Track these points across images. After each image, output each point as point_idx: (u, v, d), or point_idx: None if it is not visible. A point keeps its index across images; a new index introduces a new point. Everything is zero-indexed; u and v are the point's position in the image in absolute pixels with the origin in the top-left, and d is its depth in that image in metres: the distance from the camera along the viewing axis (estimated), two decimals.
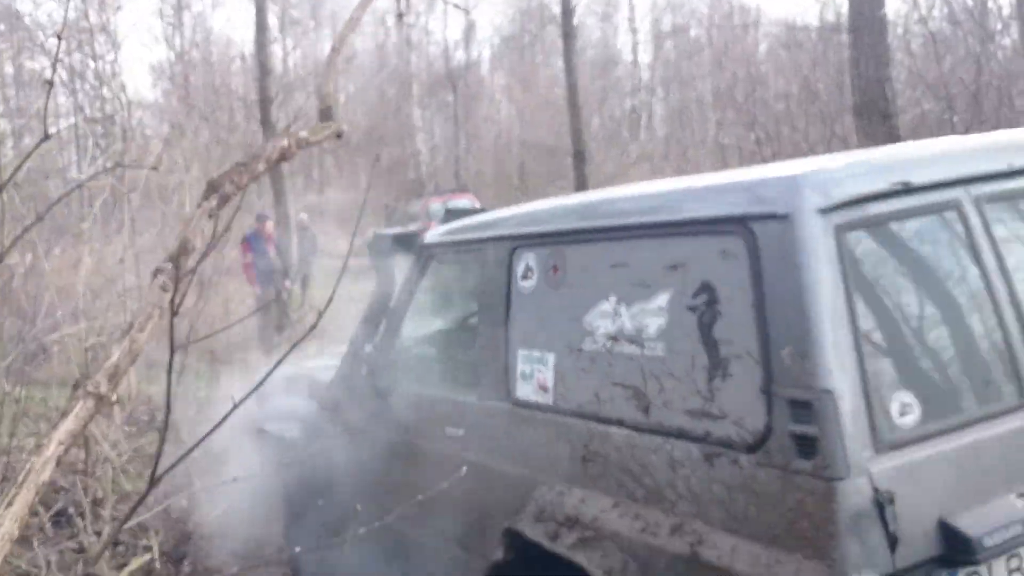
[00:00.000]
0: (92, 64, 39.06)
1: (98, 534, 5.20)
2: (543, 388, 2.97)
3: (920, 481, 2.10)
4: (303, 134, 3.34)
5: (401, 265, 3.94)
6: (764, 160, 8.66)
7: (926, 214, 2.33)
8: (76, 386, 2.72)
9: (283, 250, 12.19)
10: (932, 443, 2.13)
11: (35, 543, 4.68)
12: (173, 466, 2.78)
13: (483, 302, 3.31)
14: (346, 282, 2.90)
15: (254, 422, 4.51)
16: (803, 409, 2.12)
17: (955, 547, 2.07)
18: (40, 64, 38.46)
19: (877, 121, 7.71)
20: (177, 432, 6.87)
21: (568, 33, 14.63)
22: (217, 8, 58.60)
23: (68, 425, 2.61)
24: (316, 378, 4.29)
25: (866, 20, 7.81)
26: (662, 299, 2.53)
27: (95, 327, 6.47)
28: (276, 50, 38.29)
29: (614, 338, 2.69)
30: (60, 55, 34.22)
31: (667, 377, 2.49)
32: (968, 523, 2.09)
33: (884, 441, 2.08)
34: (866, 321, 2.17)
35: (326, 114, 3.48)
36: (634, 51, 33.49)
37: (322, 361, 4.53)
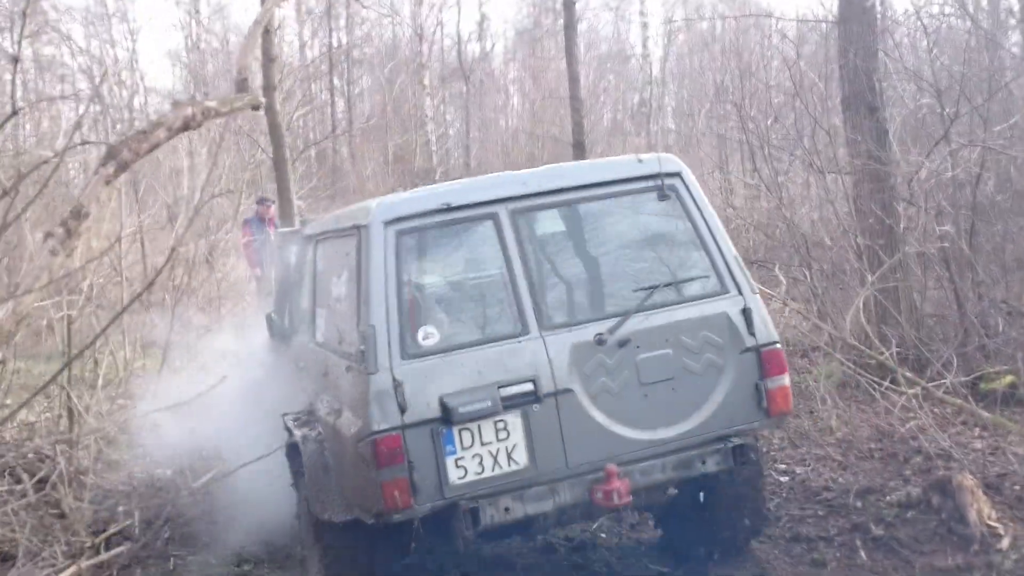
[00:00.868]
0: (110, 50, 39.42)
1: (79, 501, 5.35)
2: (320, 333, 4.86)
3: (429, 376, 3.79)
4: (210, 103, 3.29)
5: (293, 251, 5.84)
6: (753, 151, 8.72)
7: (469, 221, 4.08)
8: None
9: None
10: (443, 355, 3.86)
11: (12, 508, 4.83)
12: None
13: (299, 278, 5.54)
14: None
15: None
16: (364, 336, 3.85)
17: (446, 414, 3.74)
18: (57, 50, 38.80)
19: (864, 114, 7.75)
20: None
21: (569, 24, 14.67)
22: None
23: None
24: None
25: (855, 10, 7.84)
26: (344, 275, 4.37)
27: (76, 301, 6.62)
28: (292, 38, 38.49)
29: (335, 299, 4.53)
30: (63, 37, 34.12)
31: (340, 322, 4.39)
32: (454, 400, 3.74)
33: (409, 353, 3.83)
34: (409, 285, 3.95)
35: (241, 85, 3.47)
36: (644, 45, 33.44)
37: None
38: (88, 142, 7.35)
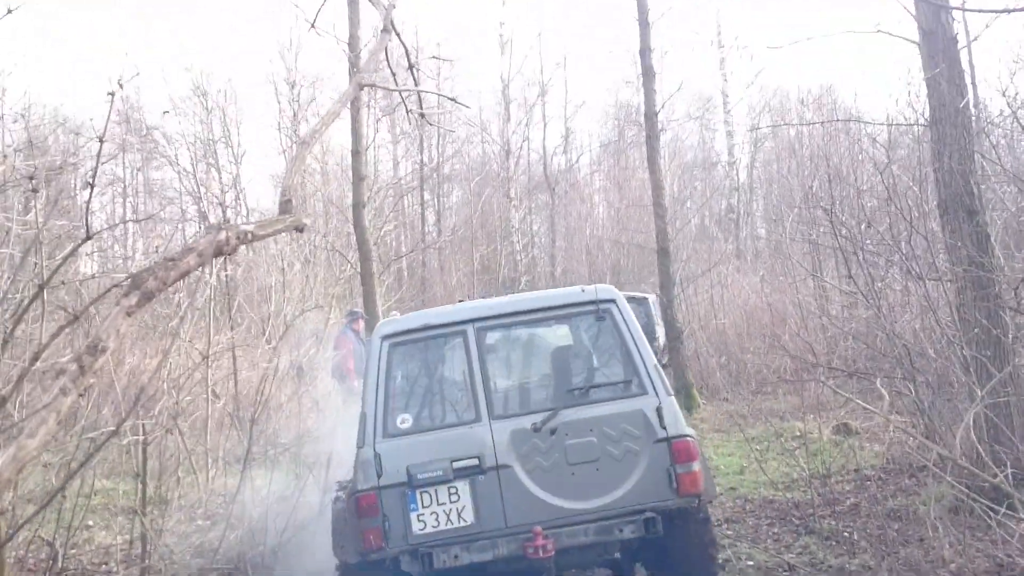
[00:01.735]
0: (216, 175, 41.52)
1: None
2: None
3: (401, 450, 4.95)
4: (247, 227, 3.07)
5: None
6: (847, 258, 8.37)
7: (445, 335, 5.40)
8: None
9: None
10: (413, 435, 5.07)
11: None
12: None
13: None
14: None
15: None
16: (360, 419, 5.15)
17: (410, 479, 4.87)
18: (166, 174, 41.00)
19: (963, 218, 7.36)
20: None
21: (651, 135, 14.74)
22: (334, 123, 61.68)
23: None
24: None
25: (947, 112, 7.54)
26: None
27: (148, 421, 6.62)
28: (385, 156, 39.94)
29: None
30: (177, 164, 35.93)
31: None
32: (417, 469, 4.89)
33: (388, 433, 5.06)
34: (394, 383, 5.23)
35: (285, 207, 3.32)
36: (730, 152, 33.46)
37: None
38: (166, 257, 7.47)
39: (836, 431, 10.94)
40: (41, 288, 3.83)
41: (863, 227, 8.24)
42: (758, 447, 10.97)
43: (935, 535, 6.19)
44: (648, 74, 15.17)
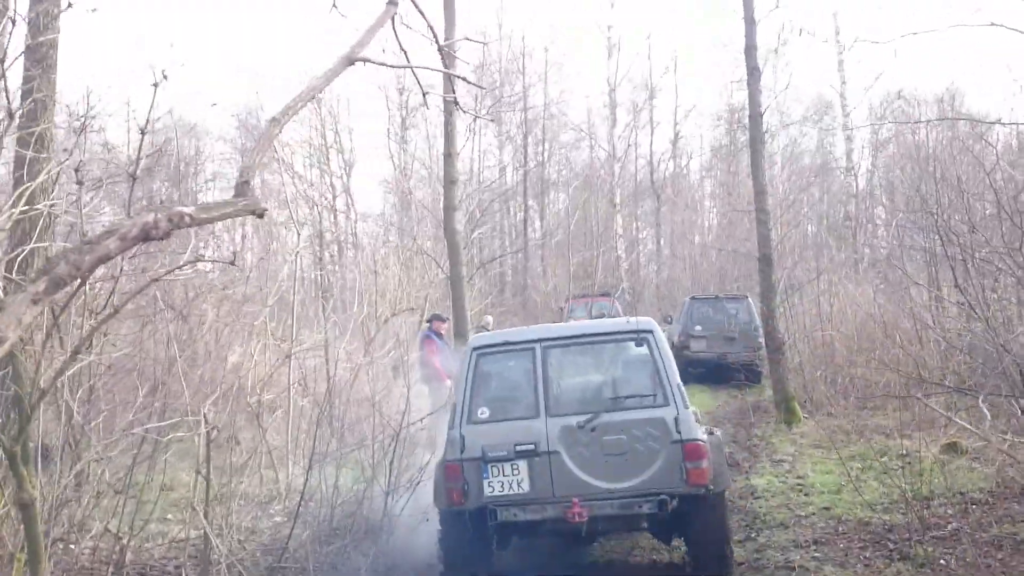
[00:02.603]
0: (328, 179, 42.61)
1: None
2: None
3: (479, 434, 6.55)
4: (186, 209, 2.76)
5: None
6: (954, 267, 7.78)
7: (519, 350, 6.96)
8: None
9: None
10: (489, 423, 6.65)
11: None
12: None
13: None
14: None
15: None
16: (452, 409, 6.95)
17: (484, 455, 6.46)
18: (280, 178, 42.28)
19: None
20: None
21: (755, 138, 14.20)
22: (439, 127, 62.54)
23: None
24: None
25: None
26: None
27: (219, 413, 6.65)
28: (491, 161, 40.14)
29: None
30: (291, 168, 36.81)
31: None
32: (489, 450, 6.48)
33: (472, 420, 6.67)
34: (478, 383, 6.85)
35: (241, 189, 3.03)
36: (848, 157, 32.13)
37: None
38: (200, 259, 7.59)
39: (944, 450, 10.22)
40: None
41: (971, 234, 7.60)
42: (859, 465, 10.38)
43: None
44: (753, 74, 14.61)
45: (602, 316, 19.67)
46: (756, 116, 14.12)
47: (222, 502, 6.51)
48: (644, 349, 6.85)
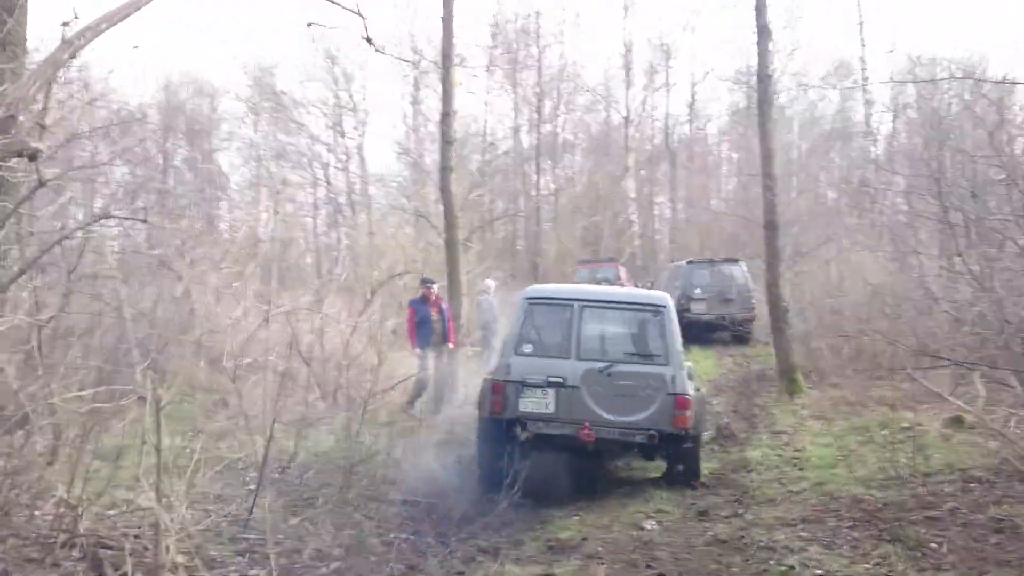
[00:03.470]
0: (342, 140, 42.17)
1: None
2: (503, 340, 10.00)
3: (522, 364, 8.62)
4: None
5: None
6: (955, 232, 7.38)
7: (561, 304, 8.97)
8: None
9: (445, 314, 12.10)
10: (531, 357, 8.67)
11: None
12: None
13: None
14: None
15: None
16: (504, 342, 9.69)
17: (523, 381, 8.55)
18: (296, 141, 41.84)
19: None
20: None
21: (763, 99, 13.70)
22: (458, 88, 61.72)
23: None
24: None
25: None
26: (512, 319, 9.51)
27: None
28: (508, 122, 39.54)
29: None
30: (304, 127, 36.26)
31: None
32: (527, 376, 8.55)
33: (518, 353, 8.73)
34: (528, 327, 8.87)
35: (4, 124, 2.65)
36: (867, 122, 31.32)
37: None
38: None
39: (948, 424, 9.88)
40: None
41: (973, 199, 7.17)
42: (859, 438, 10.06)
43: None
44: (762, 32, 14.07)
45: (606, 282, 19.78)
46: (765, 77, 13.63)
47: (185, 470, 6.27)
48: (658, 318, 8.84)
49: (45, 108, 4.44)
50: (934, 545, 6.18)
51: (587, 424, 8.31)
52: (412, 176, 34.08)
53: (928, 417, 10.35)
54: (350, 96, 41.11)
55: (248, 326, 9.51)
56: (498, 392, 8.58)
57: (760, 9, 14.13)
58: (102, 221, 7.91)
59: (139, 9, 3.22)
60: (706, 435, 11.49)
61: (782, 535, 6.80)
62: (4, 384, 5.84)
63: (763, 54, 13.84)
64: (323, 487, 7.78)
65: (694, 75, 39.26)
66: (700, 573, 6.07)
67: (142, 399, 6.26)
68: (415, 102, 38.98)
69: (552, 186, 38.30)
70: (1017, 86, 11.85)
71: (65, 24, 3.36)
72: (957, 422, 9.82)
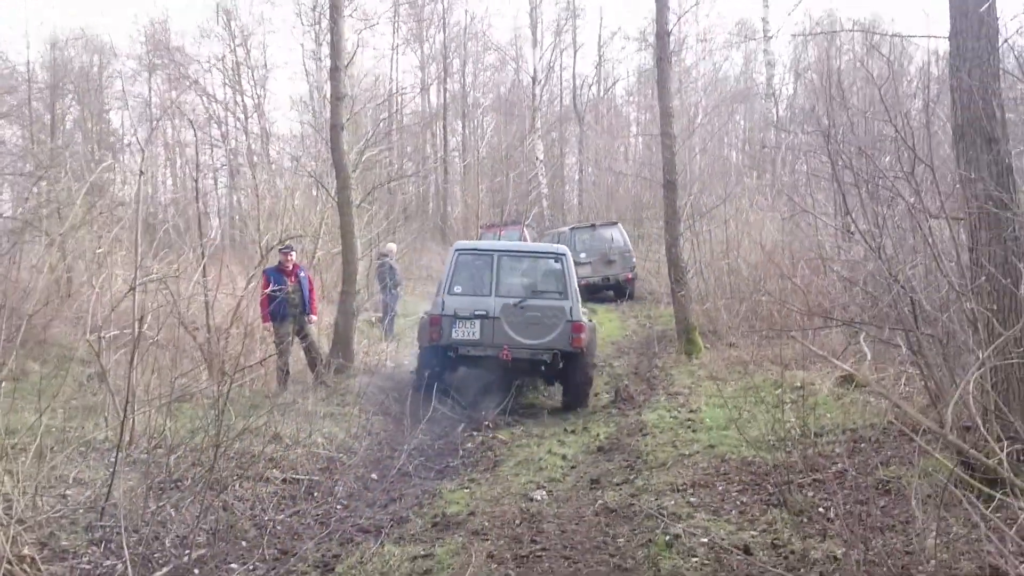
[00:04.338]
0: (240, 99, 40.63)
1: None
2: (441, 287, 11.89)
3: (454, 301, 11.02)
4: None
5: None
6: (844, 192, 7.28)
7: (484, 253, 11.52)
8: None
9: (304, 283, 11.40)
10: (460, 296, 11.07)
11: None
12: None
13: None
14: None
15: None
16: (439, 285, 12.06)
17: (455, 314, 10.98)
18: (189, 99, 40.11)
19: (981, 146, 6.23)
20: None
21: (661, 57, 13.47)
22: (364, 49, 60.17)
23: None
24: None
25: (970, 22, 6.36)
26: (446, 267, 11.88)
27: None
28: (416, 82, 38.60)
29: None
30: (200, 87, 34.89)
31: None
32: (458, 310, 10.97)
33: (451, 293, 11.11)
34: (458, 272, 11.27)
35: None
36: (768, 83, 31.61)
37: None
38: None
39: (840, 383, 9.93)
40: None
41: (861, 155, 7.05)
42: (752, 399, 10.03)
43: (924, 520, 5.24)
44: None
45: None
46: (663, 34, 13.39)
47: (42, 451, 5.72)
48: (559, 264, 11.30)
49: None
50: (821, 510, 6.09)
51: (506, 347, 10.68)
52: (314, 136, 33.05)
53: (821, 376, 10.39)
54: (247, 53, 39.65)
55: (116, 294, 8.84)
56: (436, 324, 10.79)
57: None
58: None
59: None
60: (604, 398, 11.43)
61: (671, 501, 6.64)
62: None
63: (661, 10, 13.59)
64: (193, 467, 7.28)
65: (601, 36, 39.09)
66: (585, 546, 5.85)
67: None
68: (317, 58, 37.81)
69: (460, 146, 37.72)
70: (911, 44, 11.93)
71: None
72: (849, 381, 9.87)
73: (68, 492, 6.75)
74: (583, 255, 20.59)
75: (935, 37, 7.07)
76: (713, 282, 15.75)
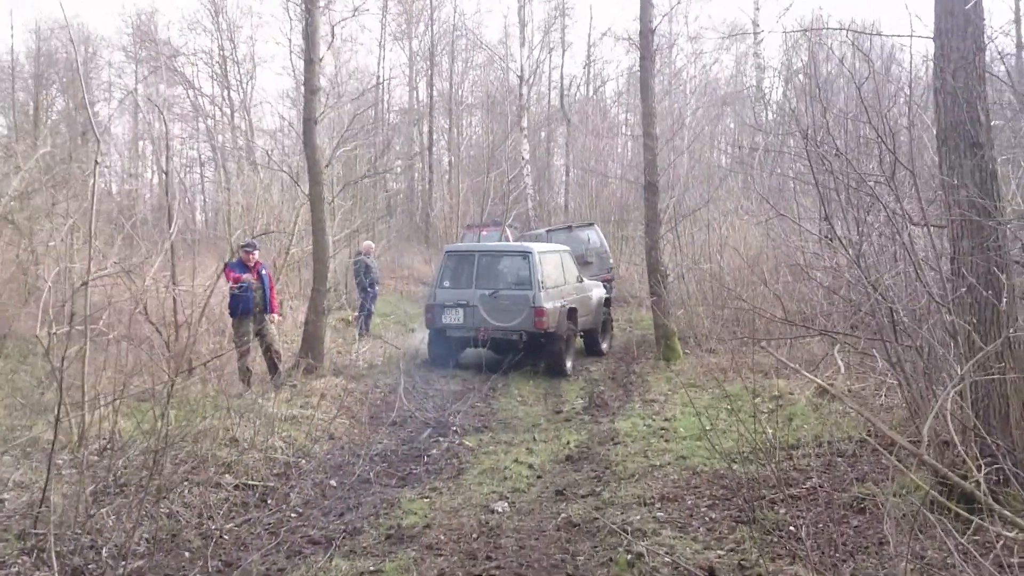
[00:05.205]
0: (226, 93, 40.18)
1: None
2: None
3: (444, 293, 13.80)
4: None
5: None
6: (824, 197, 7.02)
7: (467, 253, 14.33)
8: None
9: (266, 281, 11.08)
10: (449, 289, 13.80)
11: None
12: None
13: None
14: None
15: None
16: (432, 282, 15.01)
17: (444, 303, 13.70)
18: (175, 91, 39.68)
19: (964, 151, 5.98)
20: None
21: (644, 56, 13.21)
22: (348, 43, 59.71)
23: None
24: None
25: (955, 20, 6.11)
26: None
27: None
28: (403, 77, 38.22)
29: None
30: (185, 80, 34.48)
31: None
32: (447, 301, 13.70)
33: (441, 287, 13.90)
34: (447, 270, 14.05)
35: None
36: (759, 86, 31.39)
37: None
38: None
39: (818, 393, 9.68)
40: None
41: (839, 158, 6.77)
42: (728, 407, 9.76)
43: (895, 544, 4.97)
44: None
45: None
46: (647, 33, 13.13)
47: None
48: (526, 261, 13.28)
49: None
50: (792, 528, 5.82)
51: (482, 329, 13.05)
52: (294, 131, 32.67)
53: (800, 385, 10.15)
54: (234, 46, 39.25)
55: (70, 288, 8.50)
56: (430, 312, 13.59)
57: None
58: None
59: None
60: (578, 404, 11.14)
61: (637, 516, 6.36)
62: None
63: (645, 8, 13.34)
64: (140, 471, 6.95)
65: (591, 36, 38.81)
66: (542, 564, 5.55)
67: None
68: (303, 55, 37.43)
69: (445, 145, 37.38)
70: (901, 50, 11.69)
71: None
72: (828, 391, 9.62)
73: (5, 496, 6.45)
74: None
75: (919, 36, 6.81)
76: (694, 286, 15.49)
